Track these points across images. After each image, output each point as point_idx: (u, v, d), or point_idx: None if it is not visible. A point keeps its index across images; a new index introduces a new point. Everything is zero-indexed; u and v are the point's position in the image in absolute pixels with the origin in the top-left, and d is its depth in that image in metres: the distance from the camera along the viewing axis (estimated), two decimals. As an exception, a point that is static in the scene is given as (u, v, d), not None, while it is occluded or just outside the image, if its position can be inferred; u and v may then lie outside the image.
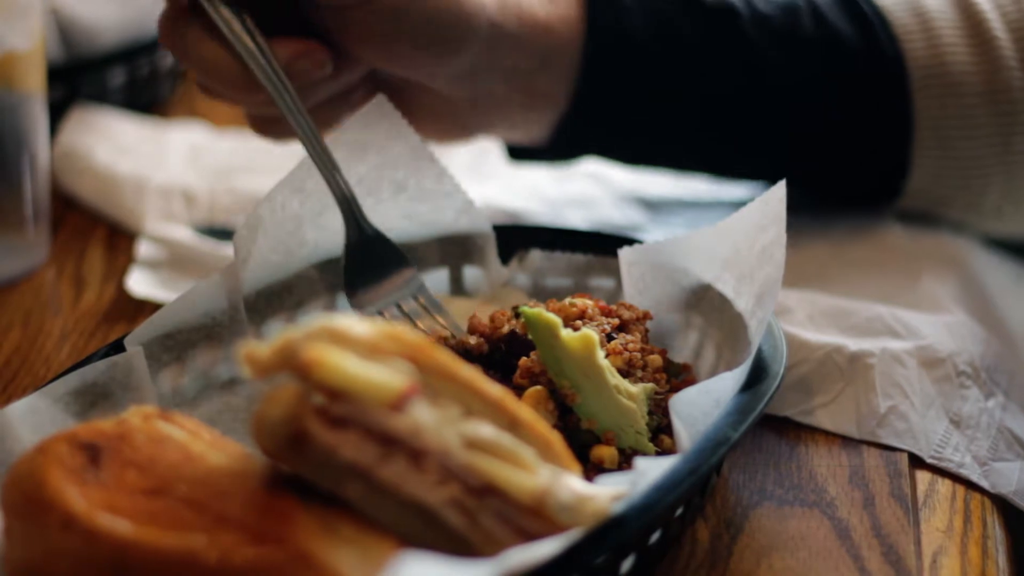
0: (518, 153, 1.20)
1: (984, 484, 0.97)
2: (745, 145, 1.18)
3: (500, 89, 1.10)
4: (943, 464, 0.97)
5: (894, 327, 1.05)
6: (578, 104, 1.12)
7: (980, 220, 1.21)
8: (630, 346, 0.93)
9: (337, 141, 1.02)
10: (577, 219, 1.26)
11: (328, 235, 1.02)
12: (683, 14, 1.13)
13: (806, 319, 1.06)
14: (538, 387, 0.89)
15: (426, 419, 0.75)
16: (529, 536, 0.76)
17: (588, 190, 1.30)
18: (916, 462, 0.97)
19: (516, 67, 1.09)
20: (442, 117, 1.11)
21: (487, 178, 1.32)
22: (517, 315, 0.95)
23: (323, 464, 0.74)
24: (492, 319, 0.95)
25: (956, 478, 0.97)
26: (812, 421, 1.00)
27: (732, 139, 1.18)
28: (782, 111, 1.16)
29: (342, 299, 1.03)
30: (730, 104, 1.15)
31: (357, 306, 1.00)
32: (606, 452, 0.88)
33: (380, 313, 1.00)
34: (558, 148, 1.17)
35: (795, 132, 1.17)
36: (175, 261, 1.19)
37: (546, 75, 1.11)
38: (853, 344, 1.02)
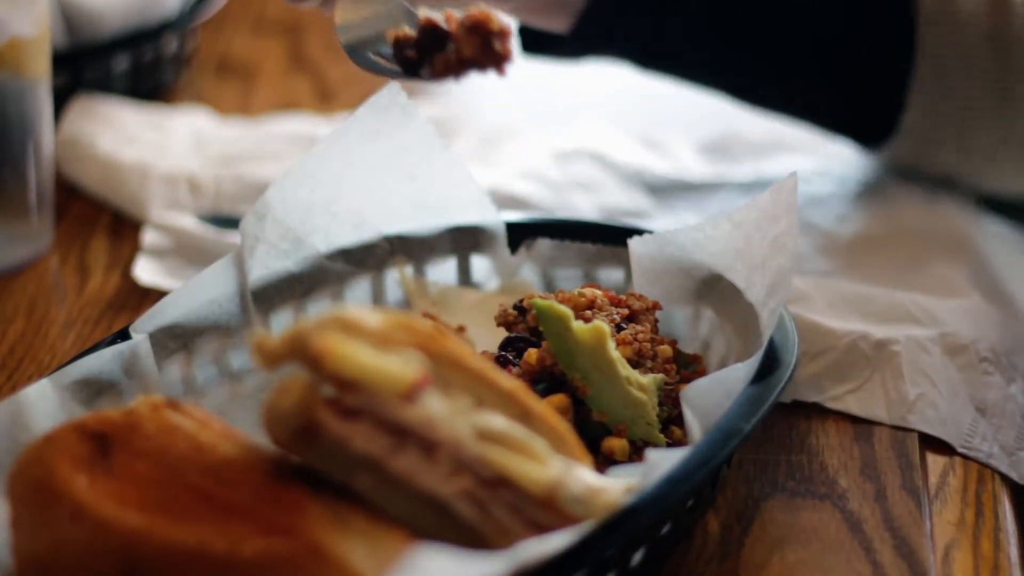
0: (532, 45, 1.21)
1: (1012, 475, 0.96)
2: (751, 50, 1.19)
3: None
4: (972, 454, 0.97)
5: (915, 314, 1.05)
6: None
7: (971, 167, 1.21)
8: (640, 336, 0.93)
9: (348, 128, 1.01)
10: (582, 203, 1.25)
11: (338, 223, 1.01)
12: None
13: (826, 306, 1.06)
14: (561, 395, 0.89)
15: (438, 410, 0.75)
16: (540, 528, 0.76)
17: (592, 174, 1.30)
18: (929, 453, 0.97)
19: None
20: None
21: (493, 164, 1.31)
22: (522, 310, 0.95)
23: (334, 455, 0.73)
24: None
25: (967, 470, 0.96)
26: (841, 407, 1.00)
27: (738, 42, 1.19)
28: (791, 18, 1.17)
29: (351, 288, 1.02)
30: (738, 7, 1.17)
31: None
32: (617, 444, 0.88)
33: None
34: (576, 38, 1.17)
35: (799, 43, 1.18)
36: (181, 249, 1.18)
37: None
38: (877, 331, 1.02)
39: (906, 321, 1.05)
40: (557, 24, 1.17)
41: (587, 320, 0.92)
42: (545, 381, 0.90)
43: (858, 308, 1.06)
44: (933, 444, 0.98)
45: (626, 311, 0.95)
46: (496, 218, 1.06)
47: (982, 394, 1.01)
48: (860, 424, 0.99)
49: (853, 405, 1.00)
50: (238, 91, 1.52)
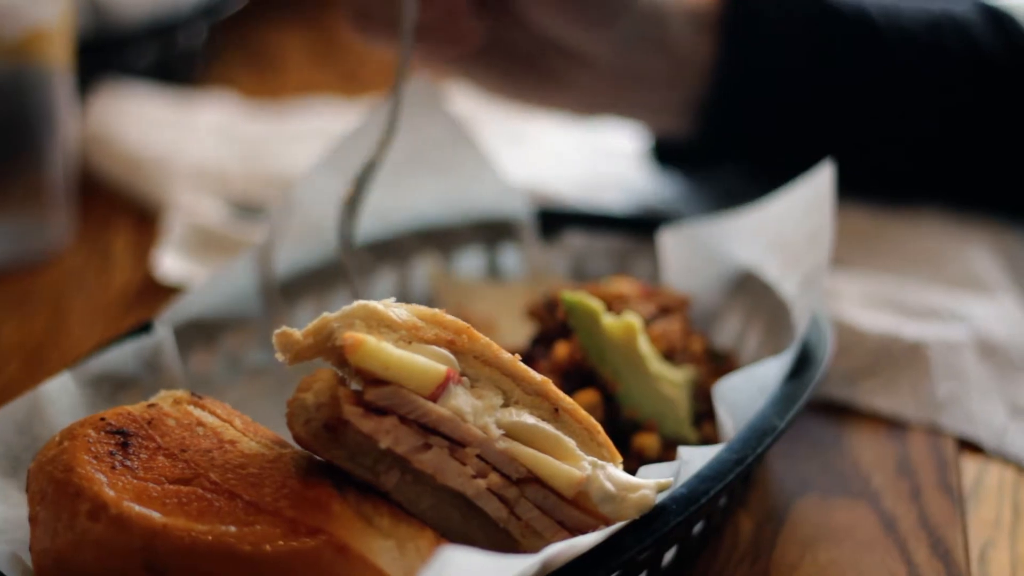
0: (664, 155, 1.22)
1: None
2: (879, 152, 1.18)
3: (649, 62, 1.12)
4: (1005, 454, 0.95)
5: (948, 313, 1.04)
6: (719, 80, 1.13)
7: None
8: (671, 330, 0.91)
9: (374, 120, 1.00)
10: (612, 196, 1.24)
11: (364, 216, 1.00)
12: (818, 19, 1.15)
13: (859, 303, 1.05)
14: (591, 391, 0.87)
15: (465, 406, 0.73)
16: (570, 528, 0.74)
17: (623, 166, 1.29)
18: (963, 451, 0.95)
19: (664, 39, 1.11)
20: (586, 92, 1.13)
21: (522, 156, 1.30)
22: (552, 304, 0.93)
23: (359, 451, 0.71)
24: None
25: (1003, 469, 0.95)
26: (872, 406, 0.98)
27: (866, 147, 1.18)
28: (925, 120, 1.16)
29: (377, 281, 1.01)
30: (870, 112, 1.16)
31: None
32: (648, 440, 0.86)
33: None
34: (703, 142, 1.17)
35: (938, 140, 1.17)
36: (205, 241, 1.17)
37: (691, 38, 1.13)
38: (909, 330, 1.01)
39: (939, 320, 1.04)
40: (675, 125, 1.17)
41: (618, 313, 0.90)
42: (574, 376, 0.88)
43: (891, 306, 1.05)
44: (967, 443, 0.96)
45: (657, 305, 0.93)
46: (525, 210, 1.04)
47: (1012, 393, 0.99)
48: (894, 422, 0.98)
49: (884, 404, 0.99)
50: (266, 79, 1.51)
